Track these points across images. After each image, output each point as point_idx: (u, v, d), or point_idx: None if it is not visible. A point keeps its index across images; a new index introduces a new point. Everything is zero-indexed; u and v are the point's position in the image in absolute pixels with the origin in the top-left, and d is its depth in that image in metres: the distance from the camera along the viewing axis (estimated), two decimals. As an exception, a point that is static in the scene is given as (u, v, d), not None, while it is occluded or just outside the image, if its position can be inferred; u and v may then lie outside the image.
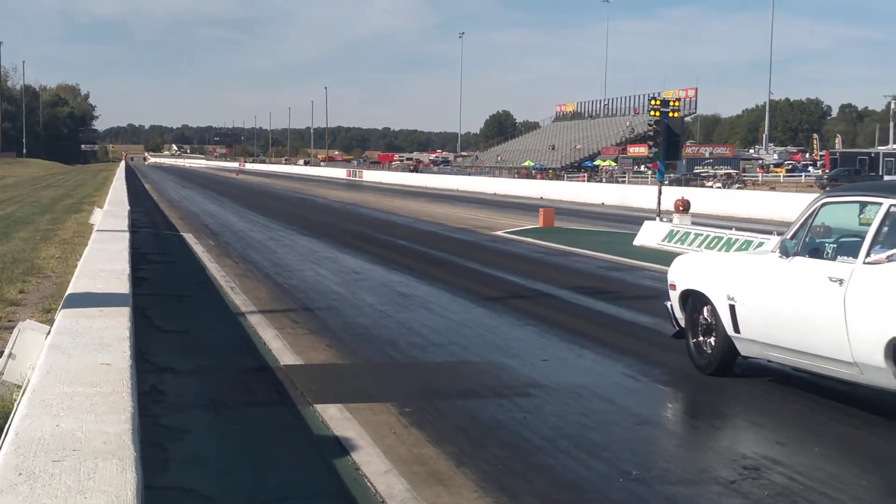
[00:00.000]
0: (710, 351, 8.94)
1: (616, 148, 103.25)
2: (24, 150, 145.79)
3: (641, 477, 5.98)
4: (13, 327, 7.82)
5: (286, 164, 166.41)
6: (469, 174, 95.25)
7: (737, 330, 8.50)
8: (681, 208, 23.50)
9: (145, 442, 4.97)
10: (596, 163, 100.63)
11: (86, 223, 25.01)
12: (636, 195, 47.29)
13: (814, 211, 8.06)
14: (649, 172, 73.31)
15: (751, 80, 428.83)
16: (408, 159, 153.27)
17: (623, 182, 73.25)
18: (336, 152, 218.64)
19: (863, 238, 7.40)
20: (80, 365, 5.10)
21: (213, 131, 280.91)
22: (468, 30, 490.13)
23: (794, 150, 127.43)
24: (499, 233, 27.22)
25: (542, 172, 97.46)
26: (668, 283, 9.69)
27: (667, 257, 19.22)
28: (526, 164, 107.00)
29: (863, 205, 7.85)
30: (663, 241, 22.08)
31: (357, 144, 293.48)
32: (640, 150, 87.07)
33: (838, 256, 7.56)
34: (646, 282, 15.94)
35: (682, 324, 9.38)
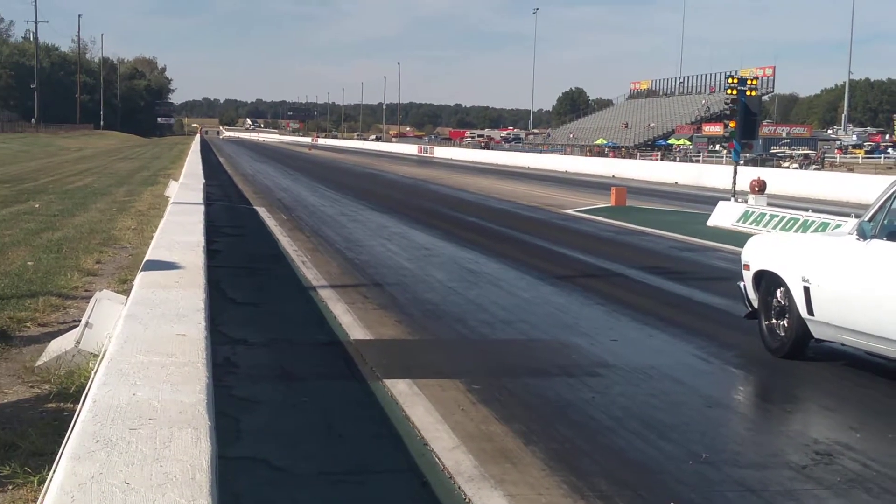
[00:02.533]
0: (783, 333, 8.81)
1: (691, 126, 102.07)
2: (102, 122, 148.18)
3: (711, 459, 5.93)
4: (90, 297, 7.97)
5: (358, 139, 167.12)
6: (541, 151, 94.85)
7: (811, 312, 8.38)
8: (756, 189, 23.15)
9: (218, 412, 5.04)
10: (670, 141, 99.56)
11: (161, 195, 25.39)
12: (710, 175, 46.64)
13: (893, 193, 7.89)
14: (724, 152, 72.34)
15: (830, 60, 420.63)
16: (479, 136, 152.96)
17: (697, 161, 72.30)
18: (407, 128, 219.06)
19: None
20: (157, 335, 5.18)
21: (286, 106, 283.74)
22: (542, 5, 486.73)
23: (874, 131, 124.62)
24: (569, 211, 27.07)
25: (615, 151, 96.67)
26: (742, 263, 9.61)
27: (741, 238, 18.96)
28: (598, 141, 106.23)
29: None
30: (738, 221, 21.79)
31: (428, 120, 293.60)
32: (716, 129, 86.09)
33: None
34: (719, 263, 15.76)
35: (755, 305, 9.30)
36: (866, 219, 8.01)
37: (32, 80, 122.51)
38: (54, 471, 3.46)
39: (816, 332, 8.48)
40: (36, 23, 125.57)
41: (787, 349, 8.73)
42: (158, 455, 3.29)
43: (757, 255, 9.36)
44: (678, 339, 9.74)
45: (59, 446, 3.92)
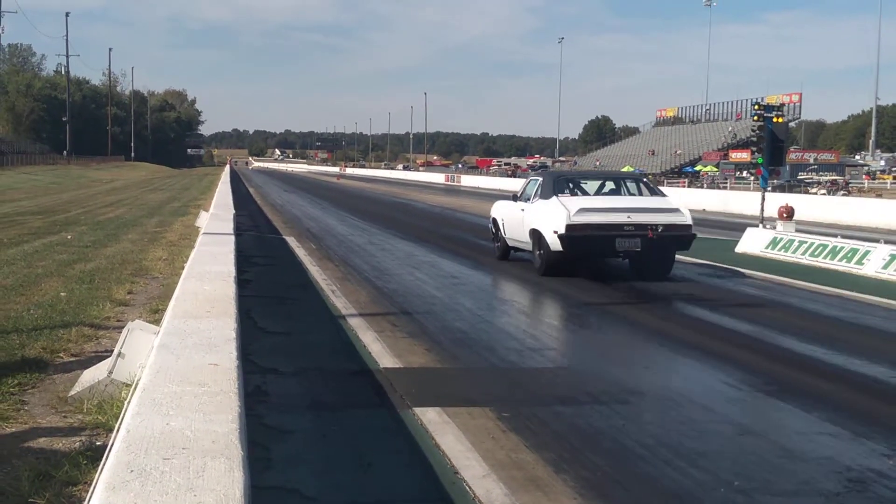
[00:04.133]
0: (499, 248, 19.32)
1: (718, 153, 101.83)
2: (133, 154, 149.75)
3: (743, 487, 5.90)
4: (122, 327, 8.03)
5: (385, 168, 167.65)
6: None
7: (505, 234, 18.78)
8: (784, 215, 23.01)
9: (249, 441, 5.06)
10: (697, 168, 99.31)
11: (192, 226, 25.57)
12: (738, 201, 46.47)
13: (529, 181, 18.41)
14: (752, 178, 71.99)
15: (857, 85, 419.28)
16: (506, 164, 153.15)
17: (724, 188, 72.02)
18: (435, 157, 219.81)
19: (534, 193, 17.01)
20: (189, 365, 5.20)
21: (314, 136, 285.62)
22: (567, 34, 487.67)
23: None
24: (598, 238, 26.94)
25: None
26: (490, 214, 20.15)
27: (771, 265, 18.91)
28: (625, 169, 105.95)
29: (536, 180, 17.72)
30: (767, 248, 21.64)
31: (455, 149, 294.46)
32: (743, 156, 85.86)
33: (529, 199, 17.24)
34: (748, 289, 15.66)
35: (494, 233, 19.68)
36: (519, 193, 18.19)
37: (64, 112, 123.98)
38: (89, 501, 3.49)
39: (509, 244, 18.72)
40: (67, 56, 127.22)
41: (500, 254, 19.29)
42: (192, 485, 3.31)
43: (493, 211, 19.93)
44: (708, 365, 9.71)
45: (93, 476, 3.95)
